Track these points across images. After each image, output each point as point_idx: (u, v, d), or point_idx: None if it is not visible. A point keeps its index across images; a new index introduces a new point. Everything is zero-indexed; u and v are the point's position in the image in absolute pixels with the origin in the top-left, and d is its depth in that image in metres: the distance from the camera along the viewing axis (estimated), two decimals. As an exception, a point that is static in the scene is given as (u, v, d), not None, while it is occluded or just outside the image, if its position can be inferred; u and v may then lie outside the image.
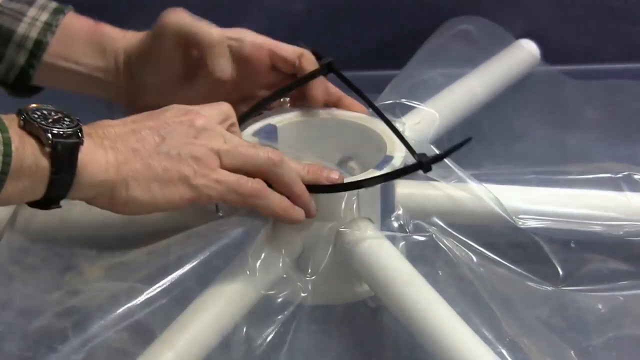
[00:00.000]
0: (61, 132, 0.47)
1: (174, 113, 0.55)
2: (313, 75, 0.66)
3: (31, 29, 0.64)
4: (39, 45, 0.64)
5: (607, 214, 0.63)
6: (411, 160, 0.61)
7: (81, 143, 0.48)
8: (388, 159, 0.61)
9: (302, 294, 0.61)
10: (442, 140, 0.78)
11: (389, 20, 0.98)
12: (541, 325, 0.58)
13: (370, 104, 0.67)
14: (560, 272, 0.61)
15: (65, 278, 0.54)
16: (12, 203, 0.48)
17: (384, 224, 0.62)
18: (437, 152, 0.62)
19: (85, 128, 0.50)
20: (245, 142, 0.58)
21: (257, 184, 0.55)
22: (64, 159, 0.48)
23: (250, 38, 0.66)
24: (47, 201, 0.49)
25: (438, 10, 0.97)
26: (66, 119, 0.49)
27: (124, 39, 0.67)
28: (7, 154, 0.45)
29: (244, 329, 0.56)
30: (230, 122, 0.59)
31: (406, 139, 0.63)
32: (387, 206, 0.63)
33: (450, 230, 0.62)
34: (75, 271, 0.55)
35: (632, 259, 0.62)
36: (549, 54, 0.95)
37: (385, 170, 0.60)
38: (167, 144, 0.53)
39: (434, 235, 0.61)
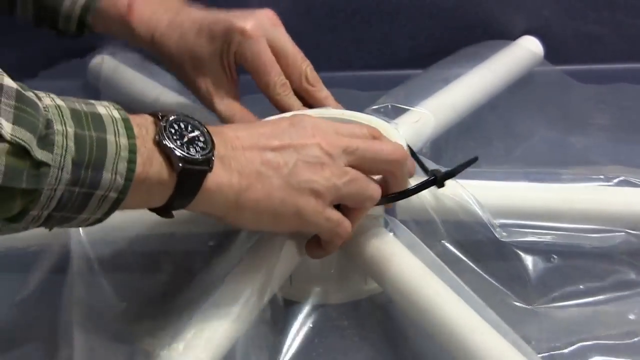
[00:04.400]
0: (193, 158, 0.47)
1: (301, 133, 0.53)
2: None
3: (72, 10, 0.72)
4: (83, 22, 0.72)
5: (589, 226, 0.63)
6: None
7: (209, 171, 0.48)
8: None
9: (314, 295, 0.62)
10: (439, 139, 0.79)
11: (389, 20, 0.98)
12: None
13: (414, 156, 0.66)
14: (535, 290, 0.61)
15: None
16: (130, 209, 0.47)
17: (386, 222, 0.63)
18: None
19: (214, 138, 0.49)
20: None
21: (349, 228, 0.56)
22: (188, 185, 0.47)
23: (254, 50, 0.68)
24: (162, 211, 0.49)
25: (438, 11, 0.97)
26: (201, 138, 0.48)
27: (154, 37, 0.70)
28: (131, 170, 0.44)
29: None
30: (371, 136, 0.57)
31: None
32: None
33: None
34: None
35: (610, 272, 0.63)
36: (552, 53, 0.95)
37: None
38: (291, 171, 0.51)
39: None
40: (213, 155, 0.48)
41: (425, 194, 0.63)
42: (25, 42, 0.98)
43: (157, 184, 0.46)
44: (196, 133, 0.48)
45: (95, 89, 0.92)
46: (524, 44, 0.94)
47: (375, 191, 0.56)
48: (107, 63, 0.92)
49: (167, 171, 0.46)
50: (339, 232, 0.55)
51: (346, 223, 0.55)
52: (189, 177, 0.47)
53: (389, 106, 0.77)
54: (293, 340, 0.59)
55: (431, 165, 0.65)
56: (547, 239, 0.63)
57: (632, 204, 0.64)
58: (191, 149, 0.47)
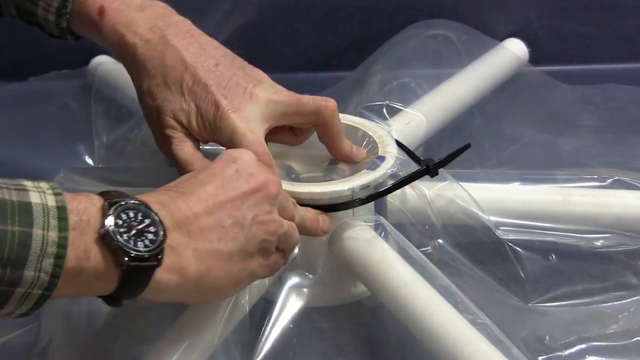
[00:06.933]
0: (139, 255, 0.43)
1: (244, 181, 0.51)
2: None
3: (47, 15, 0.63)
4: (60, 25, 0.64)
5: (585, 227, 0.63)
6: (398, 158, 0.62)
7: (158, 266, 0.45)
8: (380, 159, 0.61)
9: (300, 297, 0.61)
10: (429, 142, 0.78)
11: (388, 20, 0.98)
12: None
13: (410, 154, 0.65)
14: (532, 289, 0.62)
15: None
16: (69, 298, 0.45)
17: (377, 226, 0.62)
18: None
19: (167, 218, 0.46)
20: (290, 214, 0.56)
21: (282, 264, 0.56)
22: (135, 280, 0.44)
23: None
24: (110, 300, 0.46)
25: (438, 11, 0.97)
26: (152, 228, 0.45)
27: (128, 60, 0.62)
28: (58, 266, 0.41)
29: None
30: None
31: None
32: (380, 207, 0.63)
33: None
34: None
35: (608, 273, 0.63)
36: (541, 54, 0.95)
37: (379, 170, 0.60)
38: (247, 237, 0.50)
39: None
40: (163, 248, 0.45)
41: (423, 193, 0.63)
42: (26, 41, 0.98)
43: (97, 278, 0.43)
44: (146, 223, 0.45)
45: (96, 89, 0.92)
46: (508, 46, 0.93)
47: (295, 235, 0.56)
48: (105, 64, 0.92)
49: (110, 266, 0.43)
50: (277, 269, 0.56)
51: (281, 260, 0.56)
52: (135, 273, 0.44)
53: (384, 106, 0.77)
54: (269, 336, 0.58)
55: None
56: (545, 239, 0.63)
57: (628, 207, 0.64)
58: (139, 243, 0.44)
